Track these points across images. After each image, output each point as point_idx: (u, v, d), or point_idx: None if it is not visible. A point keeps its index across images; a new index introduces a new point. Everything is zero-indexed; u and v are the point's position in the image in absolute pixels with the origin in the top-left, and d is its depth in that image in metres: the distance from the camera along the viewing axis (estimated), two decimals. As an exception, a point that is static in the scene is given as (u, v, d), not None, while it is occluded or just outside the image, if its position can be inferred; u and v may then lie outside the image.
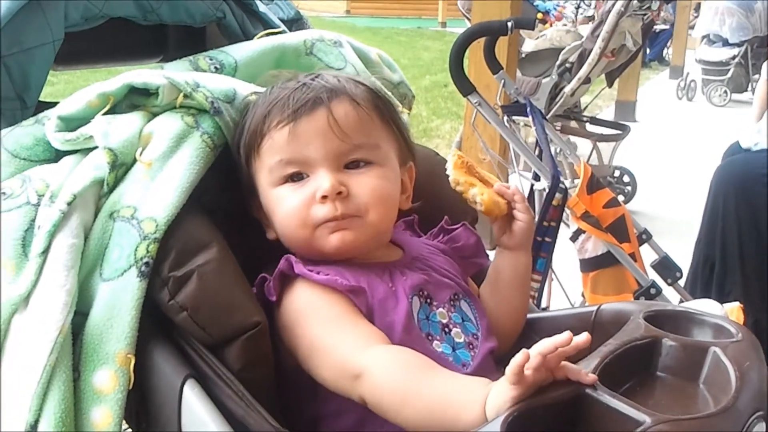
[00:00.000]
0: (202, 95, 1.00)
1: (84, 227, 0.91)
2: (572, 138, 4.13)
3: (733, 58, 8.56)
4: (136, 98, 1.03)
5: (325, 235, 0.97)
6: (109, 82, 1.01)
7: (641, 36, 3.84)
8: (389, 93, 1.17)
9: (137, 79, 1.00)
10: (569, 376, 0.74)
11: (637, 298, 2.11)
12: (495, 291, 1.11)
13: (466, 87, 2.20)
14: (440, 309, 1.00)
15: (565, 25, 4.30)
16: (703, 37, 8.85)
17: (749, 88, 8.72)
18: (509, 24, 2.09)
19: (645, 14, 3.73)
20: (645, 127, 7.00)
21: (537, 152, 2.41)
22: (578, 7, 4.73)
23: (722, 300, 1.94)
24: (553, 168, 2.13)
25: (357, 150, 0.99)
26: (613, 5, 3.69)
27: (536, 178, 2.35)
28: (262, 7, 1.35)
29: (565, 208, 2.14)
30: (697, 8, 11.14)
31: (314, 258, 0.98)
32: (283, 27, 1.36)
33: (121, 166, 0.95)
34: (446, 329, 0.99)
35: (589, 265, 2.21)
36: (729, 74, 8.61)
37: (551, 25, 4.50)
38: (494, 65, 2.44)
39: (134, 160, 0.96)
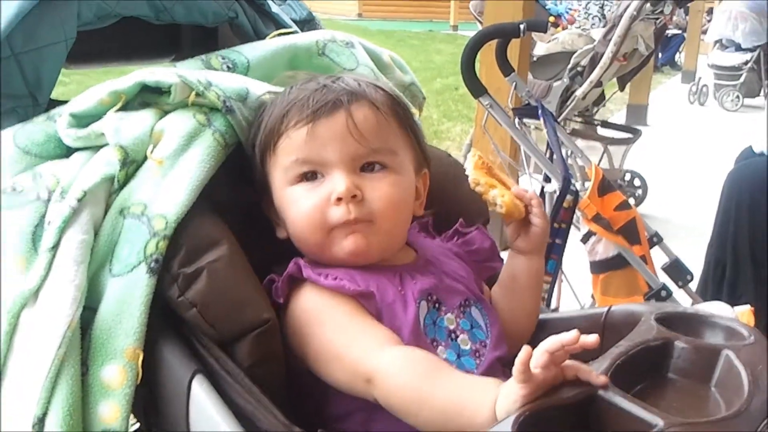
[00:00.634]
0: (214, 94, 1.00)
1: (94, 223, 0.91)
2: (583, 141, 4.11)
3: (746, 63, 8.50)
4: (148, 96, 1.02)
5: (339, 240, 0.97)
6: (121, 79, 1.01)
7: (653, 40, 3.82)
8: (404, 98, 1.17)
9: (150, 77, 1.00)
10: (580, 377, 0.73)
11: (647, 300, 2.10)
12: (508, 294, 1.10)
13: (477, 89, 2.20)
14: (448, 315, 0.99)
15: (585, 29, 4.28)
16: (716, 41, 8.80)
17: (762, 93, 8.66)
18: (522, 26, 2.08)
19: (658, 18, 3.71)
20: (656, 131, 6.97)
21: (548, 154, 2.40)
22: (602, 7, 4.69)
23: (733, 303, 1.92)
24: (564, 170, 2.12)
25: (374, 154, 0.98)
26: (626, 9, 3.67)
27: (547, 180, 2.33)
28: (274, 8, 1.35)
29: (576, 210, 2.13)
30: (710, 12, 11.10)
31: (325, 261, 0.98)
32: (295, 27, 1.36)
33: (132, 163, 0.95)
34: (453, 335, 0.98)
35: (599, 267, 2.20)
36: (741, 79, 8.55)
37: (563, 29, 4.48)
38: (506, 68, 2.43)
39: (145, 158, 0.96)
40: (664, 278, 2.26)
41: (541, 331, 1.11)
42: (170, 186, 0.93)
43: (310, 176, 0.98)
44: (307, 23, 1.45)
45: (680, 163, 5.89)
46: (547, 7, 4.86)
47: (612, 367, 0.75)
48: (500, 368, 0.99)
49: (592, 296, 2.30)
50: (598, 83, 3.81)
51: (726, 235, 2.57)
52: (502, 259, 1.13)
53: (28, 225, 0.91)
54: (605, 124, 4.34)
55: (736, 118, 8.16)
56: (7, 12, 1.02)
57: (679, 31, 11.58)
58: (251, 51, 1.17)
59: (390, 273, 0.99)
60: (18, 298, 0.87)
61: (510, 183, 1.08)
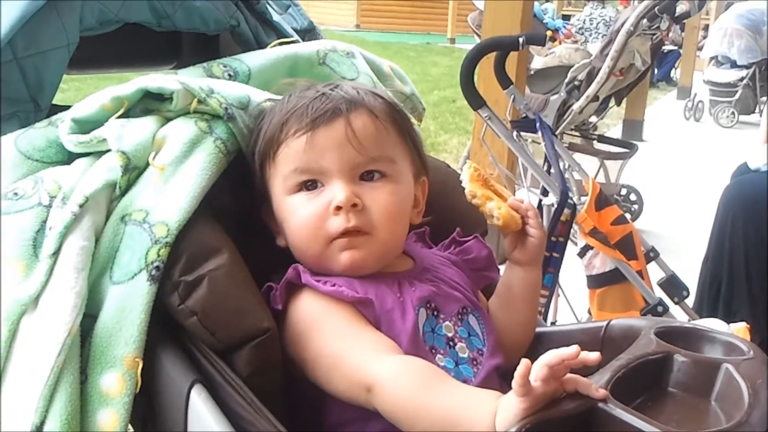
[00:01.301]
0: (216, 101, 1.01)
1: (95, 230, 0.91)
2: (581, 155, 4.13)
3: (741, 79, 8.56)
4: (150, 103, 1.03)
5: (336, 253, 0.97)
6: (124, 86, 1.02)
7: (650, 55, 3.84)
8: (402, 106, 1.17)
9: (152, 83, 1.00)
10: (580, 390, 0.73)
11: (644, 315, 2.10)
12: (505, 305, 1.10)
13: (476, 101, 2.21)
14: (447, 322, 1.00)
15: (583, 44, 4.31)
16: (711, 58, 8.86)
17: (757, 110, 8.71)
18: (521, 39, 2.09)
19: (654, 34, 3.74)
20: (652, 147, 7.00)
21: (545, 167, 2.41)
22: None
23: (729, 320, 1.93)
24: (561, 183, 2.13)
25: (372, 162, 0.99)
26: (623, 24, 3.70)
27: (544, 193, 2.35)
28: (276, 17, 1.35)
29: (573, 224, 2.14)
30: (706, 29, 11.18)
31: (323, 272, 0.98)
32: (296, 37, 1.36)
33: (133, 170, 0.95)
34: (451, 343, 0.98)
35: (596, 281, 2.21)
36: (737, 95, 8.61)
37: (560, 43, 4.51)
38: (504, 80, 2.44)
39: (147, 164, 0.96)
40: (660, 294, 2.26)
41: (539, 344, 1.11)
42: (172, 193, 0.93)
43: (309, 185, 0.98)
44: (308, 33, 1.45)
45: (676, 179, 5.91)
46: (544, 21, 4.90)
47: (612, 380, 0.75)
48: (497, 377, 0.99)
49: (589, 311, 2.31)
50: (595, 97, 3.84)
51: (722, 251, 2.58)
52: (499, 269, 1.13)
53: (29, 230, 0.91)
54: (602, 139, 4.36)
55: (731, 134, 8.20)
56: (9, 15, 1.02)
57: (675, 47, 11.65)
58: (252, 59, 1.17)
59: (389, 280, 0.99)
60: (18, 304, 0.87)
61: (506, 194, 1.09)
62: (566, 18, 10.89)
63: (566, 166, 2.84)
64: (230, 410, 0.84)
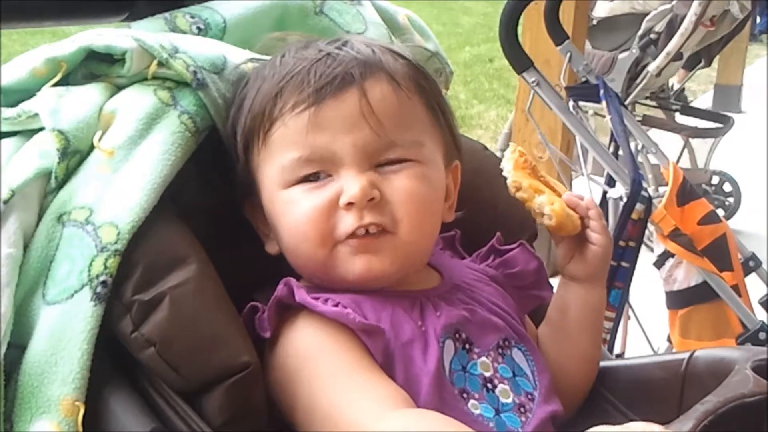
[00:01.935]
0: (181, 63, 1.01)
1: (24, 233, 0.92)
2: (658, 132, 4.12)
3: None
4: (95, 66, 1.03)
5: (347, 256, 0.97)
6: (61, 44, 1.02)
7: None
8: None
9: (97, 41, 1.00)
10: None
11: (741, 344, 2.10)
12: (558, 334, 1.10)
13: (520, 62, 2.21)
14: (483, 358, 1.00)
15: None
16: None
17: None
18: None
19: (756, -29, 3.72)
20: (753, 120, 6.96)
21: (612, 149, 2.41)
22: None
23: None
24: (633, 170, 2.12)
25: (393, 147, 0.99)
26: (715, -41, 3.68)
27: (610, 183, 2.34)
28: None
29: (648, 224, 2.13)
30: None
31: (329, 285, 0.98)
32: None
33: (74, 154, 0.95)
34: (489, 385, 0.98)
35: (678, 299, 2.20)
36: None
37: (632, -17, 4.49)
38: (557, 34, 2.44)
39: (91, 147, 0.96)
40: (762, 315, 2.26)
41: (603, 383, 1.12)
42: (123, 184, 0.93)
43: (312, 177, 0.98)
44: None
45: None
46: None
47: (697, 430, 0.76)
48: (552, 429, 1.00)
49: (669, 338, 2.30)
50: (678, 55, 3.81)
51: None
52: (552, 287, 1.13)
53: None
54: (687, 110, 4.35)
55: None
56: None
57: (784, -11, 11.59)
58: (229, 8, 1.17)
59: (407, 301, 0.99)
60: None
61: (561, 188, 1.09)
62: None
63: (639, 147, 2.83)
64: (198, 470, 0.85)
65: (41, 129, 0.97)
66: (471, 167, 1.16)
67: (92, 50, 1.01)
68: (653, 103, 4.28)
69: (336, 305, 0.94)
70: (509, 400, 0.98)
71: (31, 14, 1.29)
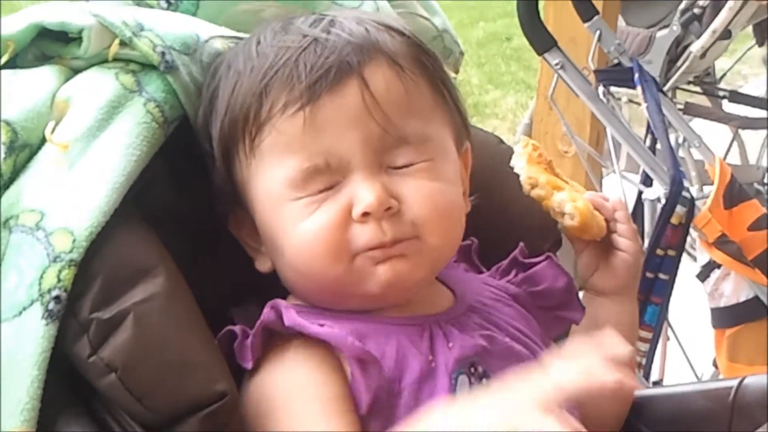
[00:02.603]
0: (147, 42, 1.01)
1: (-36, 240, 0.92)
2: (702, 122, 4.12)
3: None
4: (47, 45, 1.03)
5: (369, 267, 0.96)
6: (8, 20, 1.02)
7: (811, -31, 3.83)
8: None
9: (50, 16, 1.01)
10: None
11: (798, 370, 2.10)
12: None
13: (542, 41, 2.21)
14: None
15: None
16: None
17: None
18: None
19: (819, -65, 3.73)
20: (812, 109, 6.98)
21: (648, 142, 2.41)
22: None
23: None
24: (673, 167, 2.12)
25: (404, 143, 0.98)
26: None
27: (646, 182, 2.34)
28: None
29: (691, 230, 2.13)
30: None
31: (337, 306, 0.99)
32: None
33: (22, 149, 0.95)
34: None
35: (726, 317, 2.20)
36: None
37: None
38: (585, 9, 2.44)
39: (43, 140, 0.96)
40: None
41: (637, 415, 1.12)
42: (80, 184, 0.93)
43: (317, 187, 0.97)
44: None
45: None
46: None
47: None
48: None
49: (715, 362, 2.30)
50: (726, 33, 3.82)
51: None
52: (584, 308, 1.13)
53: None
54: (736, 97, 4.35)
55: None
56: None
57: None
58: (203, -22, 1.18)
59: (415, 331, 0.99)
60: None
61: (578, 188, 1.09)
62: None
63: (680, 140, 2.83)
64: None
65: (-15, 119, 0.97)
66: (485, 163, 1.17)
67: (44, 27, 1.01)
68: (697, 89, 4.28)
69: (331, 328, 0.94)
70: None
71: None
